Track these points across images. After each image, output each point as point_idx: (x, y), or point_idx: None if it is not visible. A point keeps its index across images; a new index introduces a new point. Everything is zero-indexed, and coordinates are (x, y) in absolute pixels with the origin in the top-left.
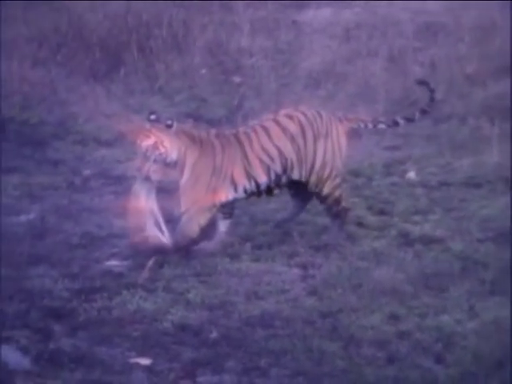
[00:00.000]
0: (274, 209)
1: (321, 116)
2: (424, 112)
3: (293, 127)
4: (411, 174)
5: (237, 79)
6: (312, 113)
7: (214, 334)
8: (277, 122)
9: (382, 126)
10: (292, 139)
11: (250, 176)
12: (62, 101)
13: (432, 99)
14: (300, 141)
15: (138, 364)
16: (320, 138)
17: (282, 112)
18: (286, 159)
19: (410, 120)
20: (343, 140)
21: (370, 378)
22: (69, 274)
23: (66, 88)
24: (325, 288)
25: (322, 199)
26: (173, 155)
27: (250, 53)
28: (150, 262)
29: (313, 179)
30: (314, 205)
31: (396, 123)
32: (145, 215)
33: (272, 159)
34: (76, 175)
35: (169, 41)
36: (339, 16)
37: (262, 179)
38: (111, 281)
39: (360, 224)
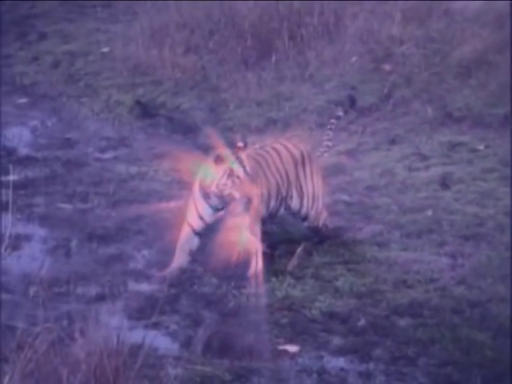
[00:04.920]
0: (423, 197)
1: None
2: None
3: (297, 153)
4: None
5: (387, 67)
6: (305, 146)
7: (362, 322)
8: (284, 146)
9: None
10: (295, 164)
11: (269, 196)
12: (213, 87)
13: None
14: (300, 167)
15: (286, 351)
16: (313, 170)
17: (283, 139)
18: (290, 185)
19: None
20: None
21: None
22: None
23: (217, 75)
24: (474, 277)
25: (317, 230)
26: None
27: (401, 41)
28: (299, 250)
29: (312, 213)
30: (464, 194)
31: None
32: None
33: (282, 182)
34: None
35: (320, 28)
36: (491, 5)
37: (273, 202)
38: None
39: (506, 213)
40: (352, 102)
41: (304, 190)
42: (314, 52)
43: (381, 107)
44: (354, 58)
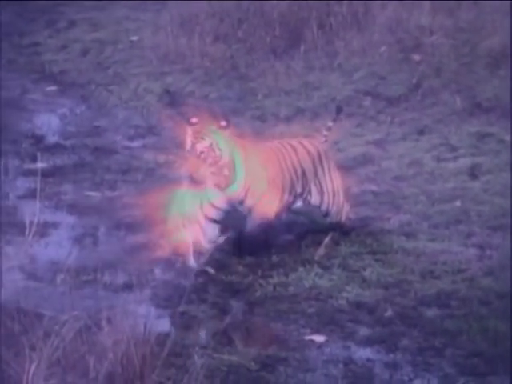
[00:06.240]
0: (452, 187)
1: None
2: None
3: (314, 151)
4: None
5: (416, 57)
6: (321, 144)
7: (389, 313)
8: (301, 144)
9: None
10: (313, 162)
11: (283, 189)
12: (241, 76)
13: None
14: (318, 164)
15: (312, 341)
16: (331, 167)
17: (301, 138)
18: (308, 181)
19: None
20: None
21: None
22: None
23: (246, 64)
24: (502, 269)
25: (340, 225)
26: (226, 158)
27: (430, 31)
28: (327, 239)
29: (334, 209)
30: (492, 185)
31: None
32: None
33: (297, 178)
34: None
35: (349, 18)
36: None
37: (287, 196)
38: (287, 257)
39: None
40: (339, 111)
41: (324, 186)
42: (342, 41)
43: (409, 97)
44: (382, 48)
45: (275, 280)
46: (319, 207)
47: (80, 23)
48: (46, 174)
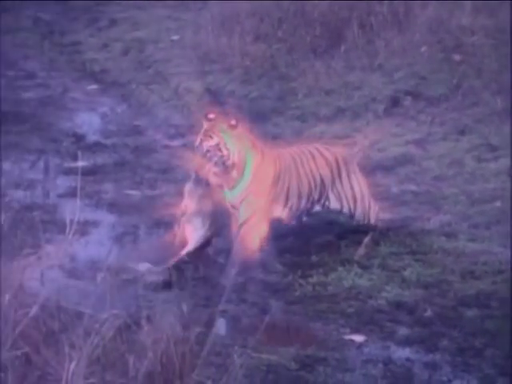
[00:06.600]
0: (492, 188)
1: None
2: None
3: (331, 158)
4: None
5: (457, 57)
6: (340, 150)
7: (429, 313)
8: (319, 151)
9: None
10: (331, 169)
11: (300, 195)
12: (281, 76)
13: None
14: (336, 172)
15: (352, 341)
16: (351, 172)
17: (318, 144)
18: (325, 188)
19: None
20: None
21: None
22: (285, 249)
23: (286, 63)
24: None
25: (371, 227)
26: (234, 158)
27: (471, 31)
28: (367, 239)
29: (358, 213)
30: None
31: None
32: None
33: (315, 185)
34: None
35: (389, 17)
36: None
37: (304, 201)
38: (327, 256)
39: None
40: None
41: (342, 192)
42: (383, 41)
43: (450, 97)
44: (423, 48)
45: (315, 280)
46: (341, 211)
47: (121, 22)
48: (86, 172)
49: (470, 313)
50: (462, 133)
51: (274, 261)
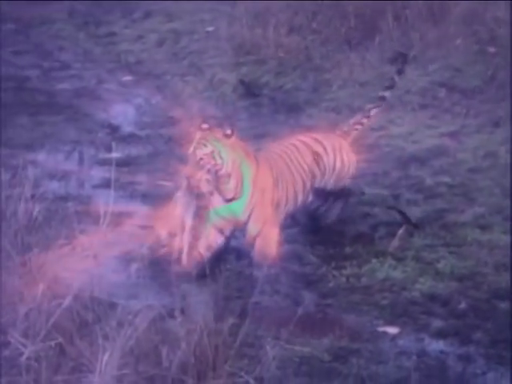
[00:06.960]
0: None
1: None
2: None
3: (317, 147)
4: None
5: (492, 49)
6: (326, 135)
7: (463, 305)
8: (303, 143)
9: (374, 110)
10: (318, 158)
11: (296, 193)
12: (316, 67)
13: None
14: (322, 158)
15: (386, 333)
16: (344, 159)
17: (300, 136)
18: (315, 177)
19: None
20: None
21: None
22: (317, 241)
23: (321, 55)
24: None
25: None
26: (228, 168)
27: (506, 23)
28: (401, 231)
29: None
30: None
31: (382, 98)
32: (178, 226)
33: (307, 177)
34: None
35: (424, 10)
36: None
37: (301, 197)
38: (361, 248)
39: None
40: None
41: (327, 171)
42: (418, 33)
43: (484, 89)
44: (458, 40)
45: (348, 271)
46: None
47: (156, 13)
48: (120, 163)
49: (504, 305)
50: (497, 125)
51: (308, 252)
